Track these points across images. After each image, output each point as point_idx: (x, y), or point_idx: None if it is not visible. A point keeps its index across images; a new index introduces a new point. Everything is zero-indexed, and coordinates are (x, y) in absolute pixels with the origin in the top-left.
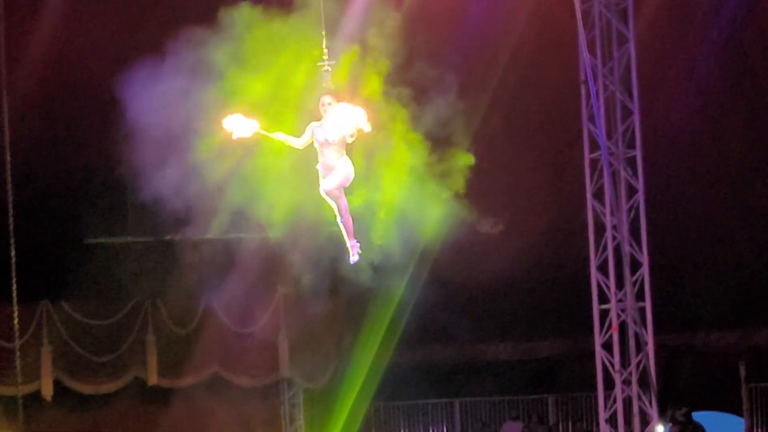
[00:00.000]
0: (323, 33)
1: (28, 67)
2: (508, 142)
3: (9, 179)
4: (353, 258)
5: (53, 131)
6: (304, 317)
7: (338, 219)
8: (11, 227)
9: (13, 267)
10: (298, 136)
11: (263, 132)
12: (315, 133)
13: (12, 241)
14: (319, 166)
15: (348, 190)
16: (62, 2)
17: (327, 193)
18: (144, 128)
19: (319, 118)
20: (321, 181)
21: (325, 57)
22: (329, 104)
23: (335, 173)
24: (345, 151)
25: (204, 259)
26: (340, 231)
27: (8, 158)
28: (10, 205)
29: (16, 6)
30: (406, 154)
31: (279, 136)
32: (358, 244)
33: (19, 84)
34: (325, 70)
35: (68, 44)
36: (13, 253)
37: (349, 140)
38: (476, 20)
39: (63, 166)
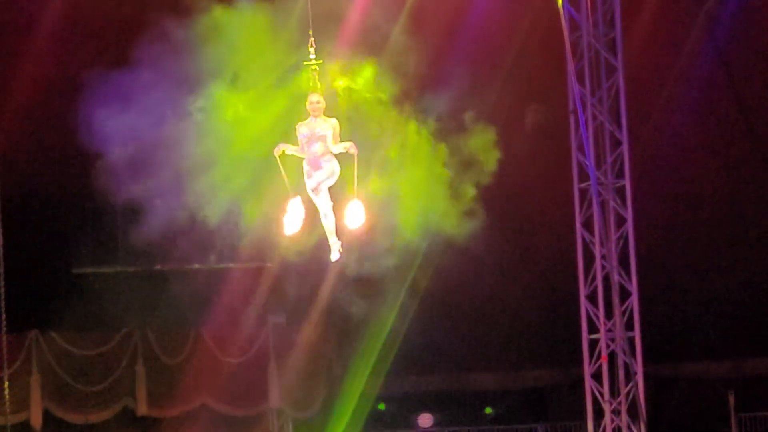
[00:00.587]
0: (310, 32)
1: (15, 100)
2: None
3: None
4: (334, 255)
5: (42, 162)
6: (294, 347)
7: (322, 217)
8: (0, 257)
9: (3, 297)
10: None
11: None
12: (300, 129)
13: (1, 270)
14: (305, 164)
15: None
16: (47, 38)
17: (313, 191)
18: (132, 160)
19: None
20: (307, 180)
21: (312, 56)
22: (317, 102)
23: (320, 171)
24: (330, 149)
25: (193, 289)
26: (324, 228)
27: None
28: (0, 236)
29: (2, 41)
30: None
31: (283, 147)
32: (340, 243)
33: (7, 116)
34: (312, 69)
35: (54, 78)
36: (2, 282)
37: (335, 150)
38: (467, 48)
39: (52, 197)
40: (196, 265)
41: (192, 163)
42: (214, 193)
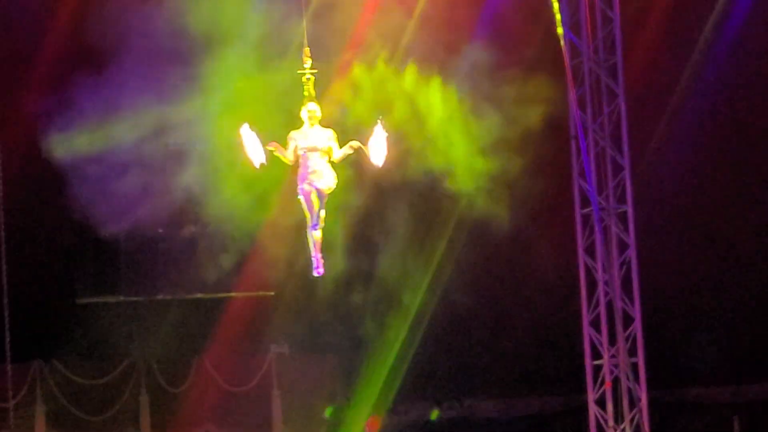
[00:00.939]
0: (305, 41)
1: (18, 129)
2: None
3: (2, 240)
4: (319, 271)
5: (45, 192)
6: (297, 376)
7: (310, 228)
8: (4, 287)
9: (7, 327)
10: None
11: (273, 148)
12: (298, 140)
13: (5, 301)
14: (301, 172)
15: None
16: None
17: (306, 197)
18: (136, 188)
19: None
20: (301, 185)
21: (307, 66)
22: (314, 111)
23: (318, 177)
24: (327, 159)
25: (196, 318)
26: (308, 241)
27: (1, 219)
28: (3, 266)
29: (6, 66)
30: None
31: (275, 146)
32: (323, 260)
33: (10, 146)
34: (307, 78)
35: (57, 106)
36: (6, 312)
37: (338, 156)
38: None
39: (55, 227)
40: (199, 294)
41: (193, 191)
42: (215, 221)
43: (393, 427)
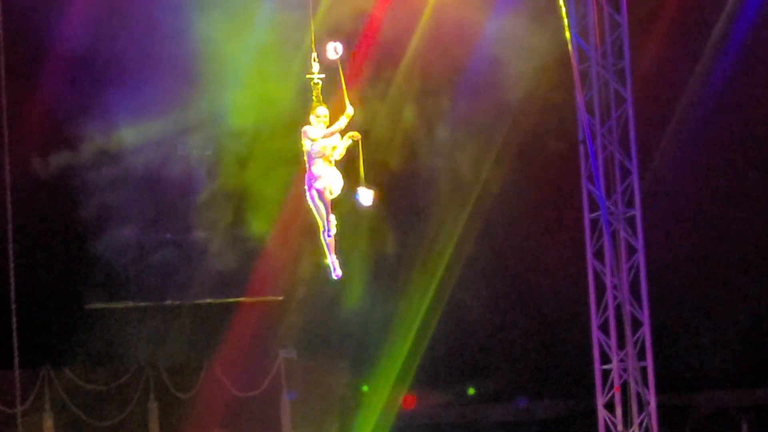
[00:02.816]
0: (312, 45)
1: (29, 132)
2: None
3: (10, 246)
4: (336, 273)
5: (54, 197)
6: (306, 380)
7: (323, 233)
8: (12, 293)
9: (15, 333)
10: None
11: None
12: (311, 143)
13: (13, 307)
14: (307, 177)
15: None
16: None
17: (314, 203)
18: (143, 191)
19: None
20: (309, 191)
21: (315, 70)
22: (324, 116)
23: (325, 182)
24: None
25: (205, 323)
26: (323, 246)
27: (10, 226)
28: (12, 272)
29: (17, 71)
30: None
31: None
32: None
33: (20, 149)
34: (315, 83)
35: (68, 107)
36: (14, 318)
37: (343, 145)
38: (475, 80)
39: (63, 233)
40: (207, 300)
41: (202, 196)
42: (224, 227)
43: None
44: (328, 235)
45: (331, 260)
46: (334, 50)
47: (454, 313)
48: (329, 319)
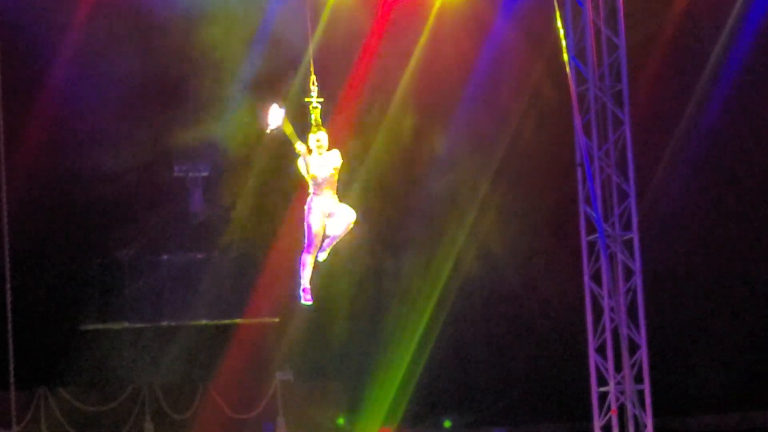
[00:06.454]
0: (311, 69)
1: (26, 153)
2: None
3: (7, 267)
4: (307, 299)
5: (50, 218)
6: (302, 402)
7: (303, 252)
8: (9, 314)
9: (11, 353)
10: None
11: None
12: (315, 171)
13: (10, 327)
14: (312, 200)
15: None
16: (59, 91)
17: (309, 223)
18: (139, 213)
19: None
20: (309, 215)
21: (314, 94)
22: (322, 140)
23: (339, 218)
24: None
25: (201, 344)
26: (303, 268)
27: (6, 245)
28: (8, 293)
29: (14, 94)
30: None
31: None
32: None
33: (17, 171)
34: (313, 107)
35: (65, 131)
36: (11, 339)
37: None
38: (472, 104)
39: (59, 253)
40: (204, 321)
41: (199, 218)
42: (221, 247)
43: None
44: (308, 253)
45: (305, 285)
46: (276, 115)
47: (451, 336)
48: (326, 341)
